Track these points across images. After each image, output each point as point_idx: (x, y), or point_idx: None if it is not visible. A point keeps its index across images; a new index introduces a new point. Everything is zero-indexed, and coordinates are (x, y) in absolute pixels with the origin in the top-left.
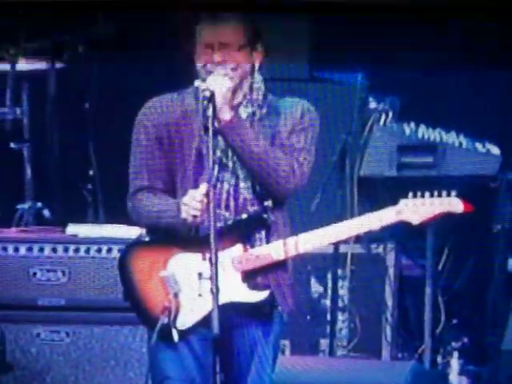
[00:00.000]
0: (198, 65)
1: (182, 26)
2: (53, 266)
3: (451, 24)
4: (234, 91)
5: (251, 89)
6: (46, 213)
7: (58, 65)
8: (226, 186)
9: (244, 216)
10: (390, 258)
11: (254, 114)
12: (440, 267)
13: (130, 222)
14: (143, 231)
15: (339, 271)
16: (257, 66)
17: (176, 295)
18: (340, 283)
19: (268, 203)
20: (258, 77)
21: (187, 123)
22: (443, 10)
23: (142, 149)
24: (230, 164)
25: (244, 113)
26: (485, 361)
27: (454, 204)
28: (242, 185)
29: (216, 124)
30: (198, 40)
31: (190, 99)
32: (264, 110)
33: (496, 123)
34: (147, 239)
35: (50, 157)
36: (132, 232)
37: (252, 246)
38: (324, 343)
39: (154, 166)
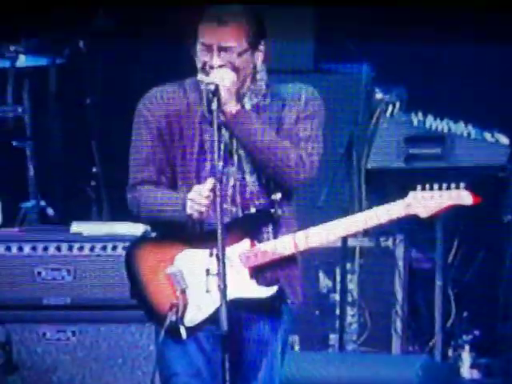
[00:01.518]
0: (198, 63)
1: (183, 21)
2: (57, 264)
3: (459, 12)
4: (238, 84)
5: (254, 79)
6: (50, 211)
7: (59, 61)
8: (231, 180)
9: (251, 211)
10: (400, 251)
11: (258, 104)
12: (450, 259)
13: (135, 218)
14: (149, 228)
15: (348, 265)
16: (259, 63)
17: (183, 292)
18: (349, 277)
19: (275, 197)
20: (260, 67)
21: (189, 115)
22: None
23: (142, 140)
24: (236, 158)
25: (248, 104)
26: (496, 353)
27: (462, 196)
28: (248, 179)
29: (221, 117)
30: (199, 40)
31: (193, 91)
32: (268, 100)
33: (505, 112)
34: (153, 235)
35: (53, 154)
36: (137, 229)
37: (260, 241)
38: (333, 338)
39: (156, 159)
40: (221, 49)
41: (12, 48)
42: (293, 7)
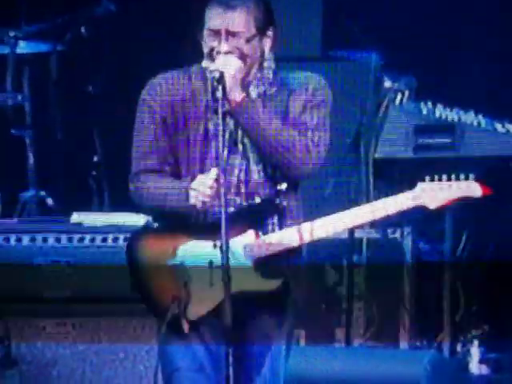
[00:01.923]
0: (204, 49)
1: (188, 6)
2: (57, 256)
3: None
4: (244, 71)
5: (261, 67)
6: (50, 201)
7: (60, 47)
8: (236, 170)
9: (256, 201)
10: (407, 243)
11: (264, 92)
12: (459, 252)
13: (136, 209)
14: (150, 218)
15: (355, 257)
16: (266, 50)
17: (186, 284)
18: (356, 270)
19: (281, 187)
20: (268, 55)
21: (194, 103)
22: None
23: (145, 128)
24: (240, 147)
25: (254, 92)
26: (506, 349)
27: (472, 188)
28: (253, 168)
29: (226, 105)
30: (206, 25)
31: (197, 78)
32: (274, 88)
33: None
34: (155, 226)
35: (53, 143)
36: (139, 220)
37: (264, 233)
38: (340, 332)
39: (159, 147)
40: (229, 33)
41: (12, 33)
42: None
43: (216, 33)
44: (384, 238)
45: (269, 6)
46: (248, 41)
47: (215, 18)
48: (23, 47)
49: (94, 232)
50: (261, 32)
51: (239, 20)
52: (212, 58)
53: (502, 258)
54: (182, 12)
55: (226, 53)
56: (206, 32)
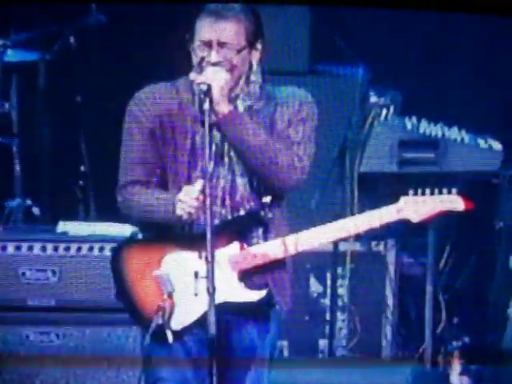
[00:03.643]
0: (194, 59)
1: (178, 17)
2: (42, 265)
3: (455, 17)
4: (231, 84)
5: (248, 81)
6: (36, 210)
7: (48, 56)
8: (222, 182)
9: (241, 213)
10: (391, 256)
11: (251, 106)
12: (441, 265)
13: (122, 219)
14: (136, 229)
15: (339, 270)
16: (254, 62)
17: (170, 295)
18: (339, 282)
19: (266, 200)
20: (255, 69)
21: (181, 115)
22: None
23: (133, 141)
24: (226, 159)
25: (241, 106)
26: (486, 360)
27: (454, 202)
28: (238, 181)
29: (213, 117)
30: (197, 35)
31: (185, 91)
32: (261, 103)
33: (498, 119)
34: (140, 237)
35: (40, 152)
36: (125, 230)
37: (249, 244)
38: (323, 343)
39: (146, 159)
40: (219, 44)
41: (0, 42)
42: (288, 7)
43: (207, 43)
44: (368, 251)
45: (259, 19)
46: (238, 52)
47: (206, 29)
48: (11, 55)
49: (80, 241)
50: (250, 44)
51: (230, 31)
52: (201, 69)
53: (482, 271)
54: (172, 23)
55: (215, 63)
56: (196, 42)
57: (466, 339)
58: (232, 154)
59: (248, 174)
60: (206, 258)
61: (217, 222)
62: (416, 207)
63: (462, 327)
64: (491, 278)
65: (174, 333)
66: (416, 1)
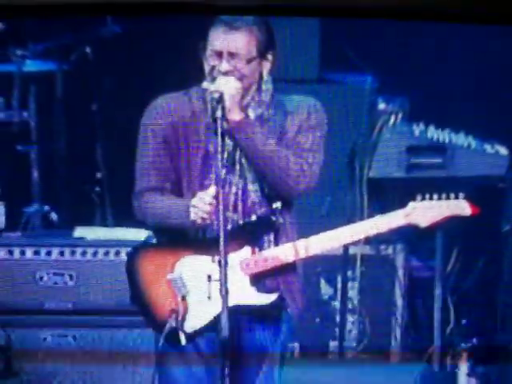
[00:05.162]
0: (206, 68)
1: (192, 28)
2: (60, 269)
3: (460, 24)
4: (242, 93)
5: (260, 90)
6: (54, 216)
7: (66, 66)
8: (233, 188)
9: (252, 218)
10: (400, 260)
11: (262, 114)
12: (449, 268)
13: (138, 224)
14: (151, 233)
15: (349, 273)
16: (265, 72)
17: (184, 298)
18: (350, 285)
19: (276, 205)
20: (266, 77)
21: (194, 123)
22: (453, 12)
23: (148, 149)
24: (238, 166)
25: (252, 114)
26: (494, 362)
27: (461, 207)
28: (250, 187)
29: (225, 125)
30: (209, 45)
31: (198, 99)
32: (272, 110)
33: (505, 124)
34: (155, 241)
35: (58, 159)
36: (140, 235)
37: (260, 249)
38: (333, 345)
39: (161, 167)
40: (230, 54)
41: (19, 52)
42: (298, 18)
43: (218, 52)
44: (377, 254)
45: (271, 31)
46: (248, 62)
47: (218, 38)
48: (30, 65)
49: (97, 246)
50: (261, 55)
51: (241, 41)
52: (212, 78)
53: (489, 273)
54: (186, 34)
55: (226, 73)
56: (208, 52)
57: (475, 340)
58: (243, 160)
59: (259, 181)
60: (219, 261)
61: (229, 227)
62: (423, 212)
63: (470, 328)
64: (498, 279)
65: (187, 335)
66: (424, 14)
